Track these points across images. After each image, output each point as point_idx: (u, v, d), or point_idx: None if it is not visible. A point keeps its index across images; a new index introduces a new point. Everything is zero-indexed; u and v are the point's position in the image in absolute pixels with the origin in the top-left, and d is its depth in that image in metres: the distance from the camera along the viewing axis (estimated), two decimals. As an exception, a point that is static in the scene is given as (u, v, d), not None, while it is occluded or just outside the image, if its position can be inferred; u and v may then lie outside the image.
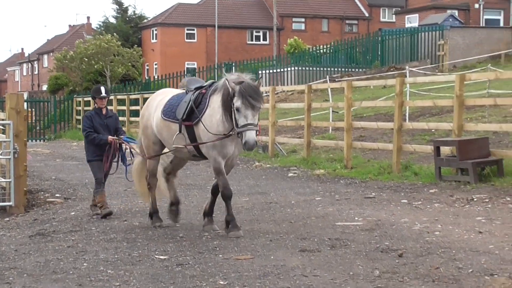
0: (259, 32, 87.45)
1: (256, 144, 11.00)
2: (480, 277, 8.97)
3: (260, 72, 51.68)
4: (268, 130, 25.69)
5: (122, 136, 14.60)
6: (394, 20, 76.96)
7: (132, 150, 14.58)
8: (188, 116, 11.56)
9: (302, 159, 22.78)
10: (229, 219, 11.52)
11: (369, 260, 9.94)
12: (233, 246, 11.17)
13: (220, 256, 10.61)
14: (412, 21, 66.05)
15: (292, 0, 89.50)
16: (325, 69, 49.54)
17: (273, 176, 20.62)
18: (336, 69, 49.59)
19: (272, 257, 10.40)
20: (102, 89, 15.14)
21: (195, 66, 74.26)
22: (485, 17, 65.67)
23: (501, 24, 62.58)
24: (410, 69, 35.09)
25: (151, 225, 12.96)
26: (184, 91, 12.37)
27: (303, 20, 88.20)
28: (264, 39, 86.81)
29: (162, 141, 12.43)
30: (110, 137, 14.30)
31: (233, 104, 10.78)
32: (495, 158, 16.68)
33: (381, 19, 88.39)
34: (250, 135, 10.51)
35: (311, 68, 50.26)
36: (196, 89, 11.83)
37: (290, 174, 20.82)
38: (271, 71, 52.54)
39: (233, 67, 60.30)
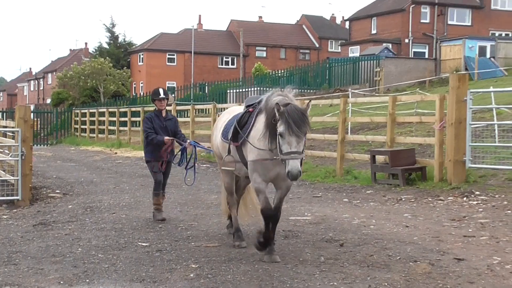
0: (228, 58, 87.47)
1: (300, 174, 8.22)
2: (406, 263, 9.05)
3: (229, 91, 51.94)
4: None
5: (189, 141, 12.67)
6: (339, 50, 77.38)
7: (197, 154, 12.43)
8: (235, 137, 9.25)
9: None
10: (266, 236, 8.94)
11: (315, 248, 10.01)
12: (203, 235, 11.18)
13: (193, 243, 10.63)
14: (354, 51, 66.45)
15: (255, 32, 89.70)
16: (163, 89, 49.37)
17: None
18: (293, 89, 49.66)
19: (230, 243, 10.43)
20: (161, 90, 13.01)
21: (175, 85, 74.23)
22: (414, 50, 66.20)
23: (426, 56, 63.05)
24: (352, 91, 35.25)
25: (232, 244, 10.14)
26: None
27: (264, 48, 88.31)
28: (232, 64, 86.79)
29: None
30: (166, 137, 12.33)
31: (277, 129, 8.25)
32: (420, 166, 17.10)
33: (329, 49, 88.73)
34: (294, 165, 7.96)
35: (270, 88, 49.97)
36: (247, 107, 9.43)
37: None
38: (237, 90, 52.82)
39: (206, 87, 60.72)
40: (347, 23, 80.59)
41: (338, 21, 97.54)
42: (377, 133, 23.76)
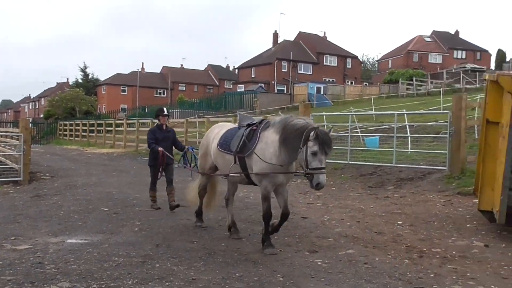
0: (161, 90, 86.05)
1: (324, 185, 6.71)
2: (272, 220, 9.09)
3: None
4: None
5: (187, 147, 10.22)
6: (231, 87, 77.63)
7: (194, 155, 9.73)
8: (241, 149, 7.43)
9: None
10: (265, 238, 7.24)
11: (216, 211, 9.90)
12: (144, 203, 10.95)
13: (137, 208, 10.41)
14: (240, 88, 66.82)
15: (179, 74, 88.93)
16: (196, 111, 49.32)
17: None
18: (201, 111, 49.37)
19: (164, 209, 10.28)
20: (165, 109, 10.89)
21: (126, 107, 73.09)
22: (277, 88, 67.06)
23: (285, 92, 63.95)
24: (240, 112, 35.45)
25: (230, 236, 7.98)
26: (235, 126, 8.25)
27: (184, 85, 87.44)
28: (164, 94, 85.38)
29: (218, 167, 8.16)
30: (160, 148, 10.11)
31: (307, 147, 6.54)
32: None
33: (225, 86, 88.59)
34: (323, 178, 6.50)
35: (188, 110, 50.19)
36: (248, 125, 7.68)
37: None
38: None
39: (146, 108, 60.14)
40: (237, 70, 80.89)
41: (231, 68, 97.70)
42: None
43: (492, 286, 5.76)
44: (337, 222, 9.10)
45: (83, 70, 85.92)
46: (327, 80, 66.78)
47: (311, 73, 70.42)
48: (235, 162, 7.45)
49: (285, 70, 69.15)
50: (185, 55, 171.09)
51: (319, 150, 6.47)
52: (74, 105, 64.88)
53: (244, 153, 7.30)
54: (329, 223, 8.99)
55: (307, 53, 72.89)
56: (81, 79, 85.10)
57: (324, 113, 22.74)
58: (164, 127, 10.64)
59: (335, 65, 73.50)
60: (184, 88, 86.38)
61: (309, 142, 6.50)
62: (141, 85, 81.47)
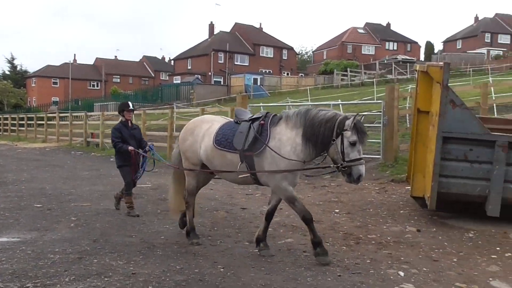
0: (94, 82, 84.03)
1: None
2: (211, 212, 9.13)
3: (95, 104, 49.94)
4: (99, 133, 24.84)
5: (150, 144, 9.30)
6: (167, 79, 76.77)
7: (153, 159, 9.19)
8: (250, 147, 6.36)
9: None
10: (317, 241, 6.22)
11: (155, 204, 9.86)
12: (80, 198, 10.69)
13: (72, 204, 10.13)
14: (177, 80, 66.20)
15: (113, 65, 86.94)
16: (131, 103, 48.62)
17: (87, 160, 19.92)
18: (137, 103, 48.62)
19: (101, 203, 10.08)
20: (130, 103, 9.70)
21: (58, 100, 70.75)
22: (214, 79, 66.92)
23: (222, 83, 63.93)
24: (176, 104, 35.21)
25: (188, 242, 7.07)
26: (228, 120, 7.11)
27: (119, 76, 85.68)
28: (97, 86, 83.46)
29: (211, 167, 6.93)
30: (130, 148, 9.00)
31: (344, 138, 5.83)
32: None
33: (161, 78, 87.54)
34: (363, 169, 5.82)
35: (120, 102, 49.58)
36: (252, 120, 6.60)
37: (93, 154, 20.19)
38: (101, 103, 51.47)
39: (80, 101, 58.60)
40: (173, 61, 79.98)
41: (167, 59, 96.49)
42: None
43: (424, 268, 6.02)
44: (276, 211, 9.20)
45: (11, 62, 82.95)
46: (263, 71, 67.20)
47: (247, 64, 70.64)
48: (242, 162, 6.40)
49: (222, 62, 69.04)
50: (119, 46, 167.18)
51: (358, 139, 5.83)
52: (2, 99, 62.38)
53: (255, 151, 6.31)
54: (268, 213, 9.09)
55: (244, 44, 73.06)
56: (9, 71, 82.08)
57: (261, 104, 22.90)
58: (130, 124, 9.42)
59: (272, 56, 74.07)
60: (118, 80, 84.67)
61: (346, 132, 5.84)
62: (73, 77, 79.24)
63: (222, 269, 5.82)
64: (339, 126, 5.88)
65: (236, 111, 7.01)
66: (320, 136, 5.98)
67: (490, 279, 5.71)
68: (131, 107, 9.51)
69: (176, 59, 76.48)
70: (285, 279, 5.51)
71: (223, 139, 6.67)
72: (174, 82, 64.34)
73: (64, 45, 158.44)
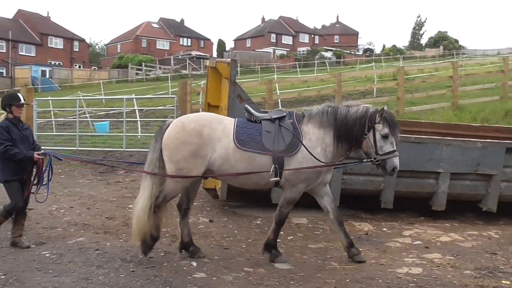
0: None
1: None
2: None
3: None
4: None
5: (43, 150, 6.72)
6: None
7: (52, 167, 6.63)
8: (288, 148, 5.83)
9: None
10: (272, 243, 6.17)
11: None
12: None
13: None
14: None
15: None
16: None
17: None
18: None
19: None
20: (21, 96, 6.82)
21: None
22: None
23: (4, 75, 58.51)
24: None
25: (140, 254, 6.12)
26: (232, 119, 6.16)
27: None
28: None
29: (226, 171, 5.90)
30: (36, 154, 6.50)
31: (375, 131, 5.72)
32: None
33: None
34: (397, 161, 5.75)
35: None
36: (279, 119, 5.97)
37: None
38: None
39: None
40: None
41: None
42: None
43: (215, 257, 6.29)
44: (66, 210, 8.79)
45: None
46: (53, 63, 63.40)
47: (34, 55, 65.85)
48: (274, 164, 5.81)
49: (4, 51, 63.33)
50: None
51: (391, 132, 5.75)
52: None
53: (292, 151, 5.84)
54: (58, 213, 8.64)
55: (29, 33, 67.88)
56: None
57: (50, 98, 21.66)
58: (20, 123, 6.83)
59: (61, 47, 70.11)
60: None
61: (377, 126, 5.75)
62: None
63: (3, 276, 5.36)
64: (370, 120, 5.81)
65: (247, 108, 6.22)
66: (354, 133, 5.85)
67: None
68: (22, 100, 6.81)
69: None
70: (76, 280, 5.29)
71: (248, 139, 5.89)
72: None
73: None
